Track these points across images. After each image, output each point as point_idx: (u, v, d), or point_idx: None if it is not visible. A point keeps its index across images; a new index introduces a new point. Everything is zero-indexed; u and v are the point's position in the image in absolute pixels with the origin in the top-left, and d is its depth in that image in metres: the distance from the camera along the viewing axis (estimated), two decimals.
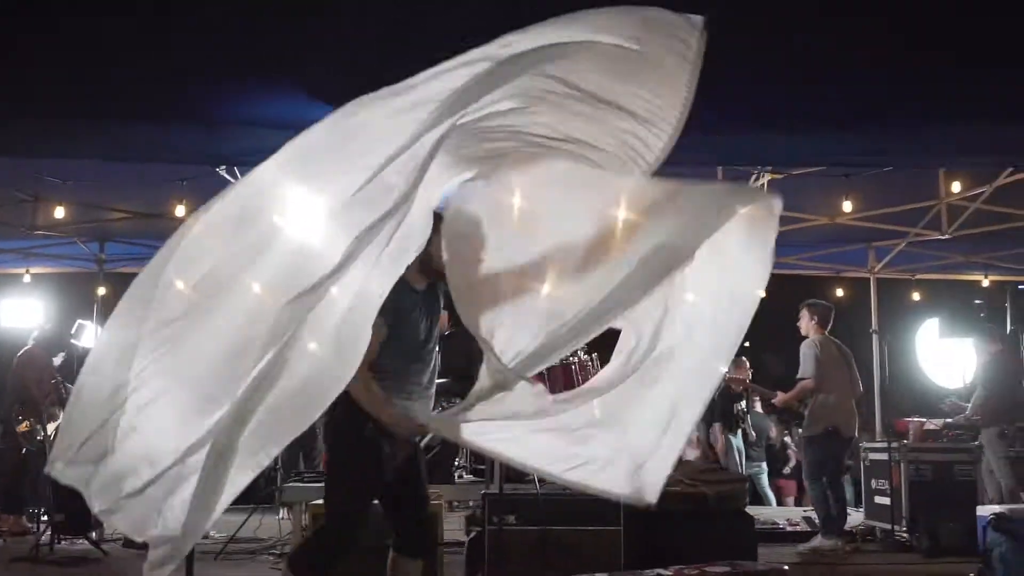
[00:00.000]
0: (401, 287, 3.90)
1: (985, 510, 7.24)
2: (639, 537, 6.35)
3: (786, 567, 6.52)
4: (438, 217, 3.40)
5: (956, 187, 10.72)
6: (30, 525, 10.14)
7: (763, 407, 13.36)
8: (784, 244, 12.73)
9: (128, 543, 8.42)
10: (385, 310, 3.32)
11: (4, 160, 8.67)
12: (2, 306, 12.97)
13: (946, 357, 13.47)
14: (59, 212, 11.27)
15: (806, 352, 9.23)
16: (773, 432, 13.79)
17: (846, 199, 10.78)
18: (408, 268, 3.94)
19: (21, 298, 13.28)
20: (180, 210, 10.26)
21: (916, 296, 14.35)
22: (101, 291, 12.85)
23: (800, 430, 10.56)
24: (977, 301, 13.90)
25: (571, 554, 6.05)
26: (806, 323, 9.39)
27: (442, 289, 4.46)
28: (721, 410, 12.31)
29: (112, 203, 11.39)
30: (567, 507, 6.26)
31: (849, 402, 9.17)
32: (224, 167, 8.52)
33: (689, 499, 7.09)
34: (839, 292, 14.40)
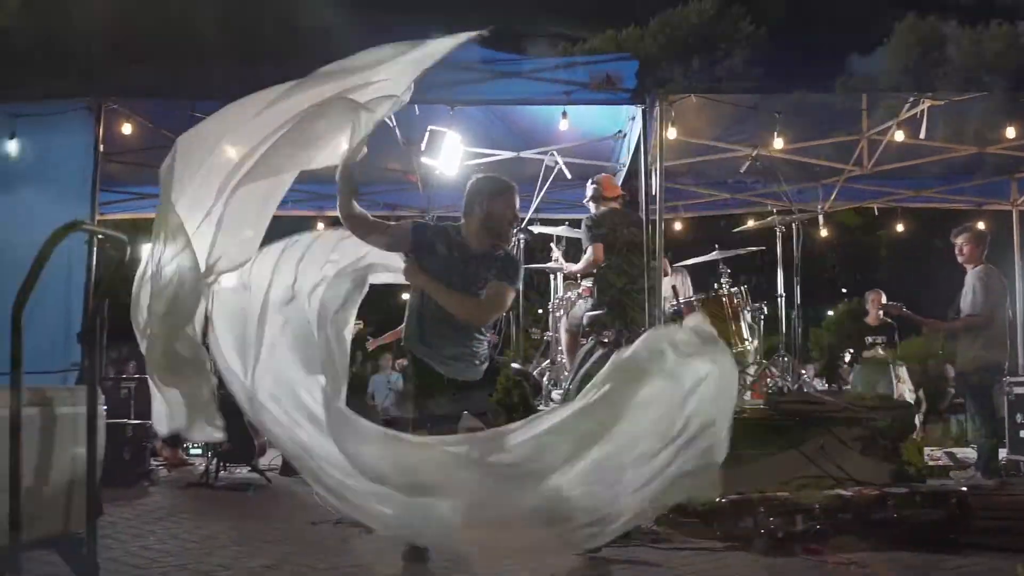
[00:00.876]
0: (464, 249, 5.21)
1: None
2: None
3: (964, 487, 6.97)
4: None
5: None
6: (187, 457, 11.48)
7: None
8: (921, 176, 13.41)
9: (285, 471, 9.37)
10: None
11: (159, 103, 9.56)
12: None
13: None
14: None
15: (976, 283, 9.31)
16: None
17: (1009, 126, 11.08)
18: (468, 231, 5.39)
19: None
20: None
21: None
22: None
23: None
24: None
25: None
26: (970, 251, 9.55)
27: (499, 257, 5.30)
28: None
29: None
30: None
31: (1006, 336, 9.58)
32: None
33: (857, 424, 8.06)
34: (980, 226, 14.72)
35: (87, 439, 3.96)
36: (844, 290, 41.95)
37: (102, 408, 4.29)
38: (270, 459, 10.24)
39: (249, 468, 9.83)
